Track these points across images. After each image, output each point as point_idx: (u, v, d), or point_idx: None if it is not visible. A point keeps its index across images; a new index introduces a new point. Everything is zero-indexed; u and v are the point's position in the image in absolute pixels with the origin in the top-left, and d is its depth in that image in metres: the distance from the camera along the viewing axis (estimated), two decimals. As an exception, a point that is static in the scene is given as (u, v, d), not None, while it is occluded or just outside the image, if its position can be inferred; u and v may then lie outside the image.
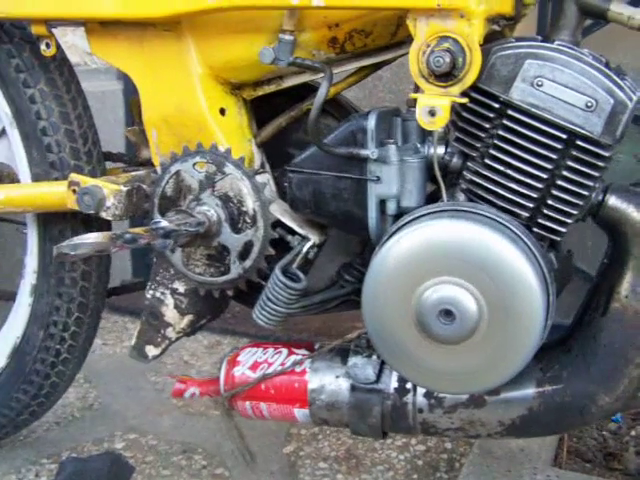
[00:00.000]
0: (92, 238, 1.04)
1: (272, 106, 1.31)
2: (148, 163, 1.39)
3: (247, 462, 1.52)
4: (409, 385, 1.21)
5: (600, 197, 1.12)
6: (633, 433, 1.73)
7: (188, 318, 1.32)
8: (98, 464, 1.46)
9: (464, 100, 1.06)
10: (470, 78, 1.04)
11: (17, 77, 1.35)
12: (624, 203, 1.12)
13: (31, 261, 1.45)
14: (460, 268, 1.04)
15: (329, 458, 1.66)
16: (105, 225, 1.40)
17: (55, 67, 1.36)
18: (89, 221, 1.39)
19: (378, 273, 1.08)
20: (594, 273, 1.21)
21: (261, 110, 1.32)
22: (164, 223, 1.13)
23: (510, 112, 1.07)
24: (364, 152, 1.13)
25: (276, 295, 1.19)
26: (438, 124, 1.04)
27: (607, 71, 1.05)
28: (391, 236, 1.09)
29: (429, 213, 1.10)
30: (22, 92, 1.35)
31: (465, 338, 1.06)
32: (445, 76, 1.04)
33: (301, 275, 1.20)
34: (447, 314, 1.05)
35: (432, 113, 1.04)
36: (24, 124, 1.37)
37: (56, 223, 1.40)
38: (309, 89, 1.28)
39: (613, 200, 1.12)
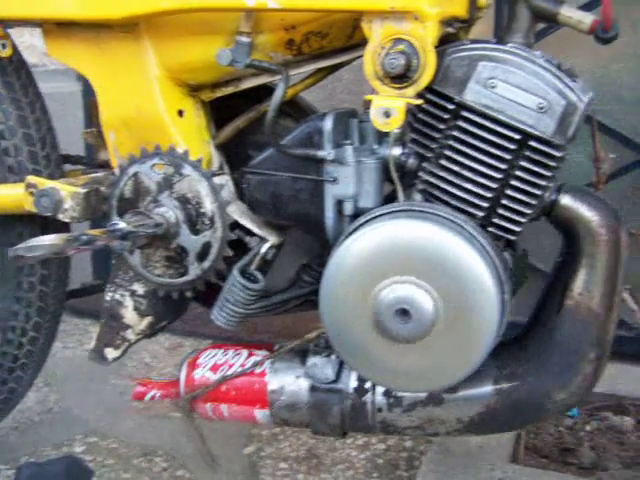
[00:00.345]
0: (48, 240, 1.03)
1: (231, 107, 1.32)
2: (107, 165, 1.38)
3: (208, 464, 1.52)
4: (368, 384, 1.22)
5: (553, 197, 1.13)
6: (588, 428, 1.76)
7: (147, 320, 1.32)
8: (56, 468, 1.45)
9: (419, 101, 1.07)
10: (424, 80, 1.05)
11: None
12: (577, 202, 1.14)
13: (-13, 265, 1.44)
14: (416, 267, 1.05)
15: (290, 458, 1.66)
16: (64, 228, 1.39)
17: (12, 70, 1.35)
18: (47, 224, 1.38)
19: (335, 273, 1.09)
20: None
21: (220, 112, 1.32)
22: (121, 225, 1.13)
23: (464, 113, 1.08)
24: (320, 153, 1.14)
25: (234, 296, 1.19)
26: (393, 125, 1.05)
27: (559, 73, 1.07)
28: (348, 236, 1.10)
29: (385, 213, 1.11)
30: None
31: (422, 337, 1.07)
32: (400, 78, 1.05)
33: (259, 276, 1.21)
34: (404, 313, 1.06)
35: (387, 114, 1.05)
36: None
37: (14, 226, 1.39)
38: (268, 91, 1.29)
39: (566, 200, 1.14)
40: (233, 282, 1.19)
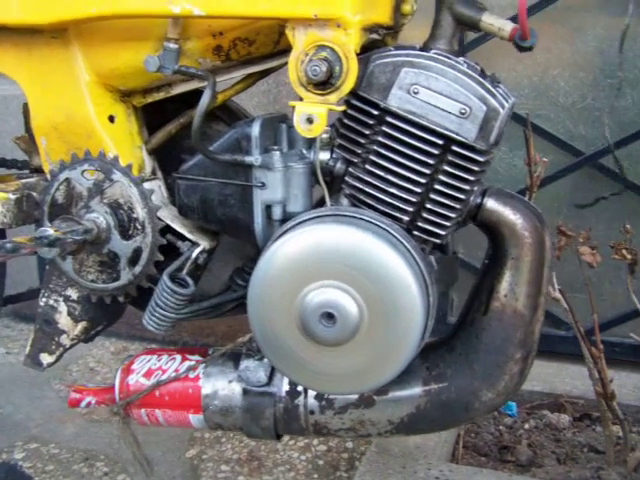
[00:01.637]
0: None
1: (164, 113, 1.32)
2: (41, 170, 1.38)
3: (145, 471, 1.52)
4: (300, 387, 1.23)
5: (478, 200, 1.15)
6: (527, 426, 1.79)
7: (82, 325, 1.32)
8: (-7, 475, 1.45)
9: (341, 108, 1.08)
10: (347, 86, 1.06)
11: None
12: (501, 206, 1.16)
13: None
14: (341, 272, 1.06)
15: (231, 461, 1.67)
16: (-1, 234, 1.39)
17: None
18: None
19: (263, 277, 1.10)
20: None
21: (153, 116, 1.33)
22: (49, 232, 1.13)
23: (389, 119, 1.10)
24: (248, 159, 1.15)
25: (164, 300, 1.19)
26: (315, 131, 1.07)
27: (480, 79, 1.08)
28: (275, 241, 1.10)
29: (312, 218, 1.11)
30: None
31: (347, 340, 1.08)
32: (322, 84, 1.06)
33: (189, 281, 1.21)
34: (329, 317, 1.07)
35: (310, 120, 1.06)
36: None
37: None
38: (200, 96, 1.29)
39: (491, 203, 1.15)
40: (163, 287, 1.19)
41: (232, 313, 1.36)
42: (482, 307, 1.19)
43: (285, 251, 1.08)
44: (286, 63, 1.20)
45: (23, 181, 1.33)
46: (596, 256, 1.60)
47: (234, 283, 1.31)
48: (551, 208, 1.46)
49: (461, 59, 1.11)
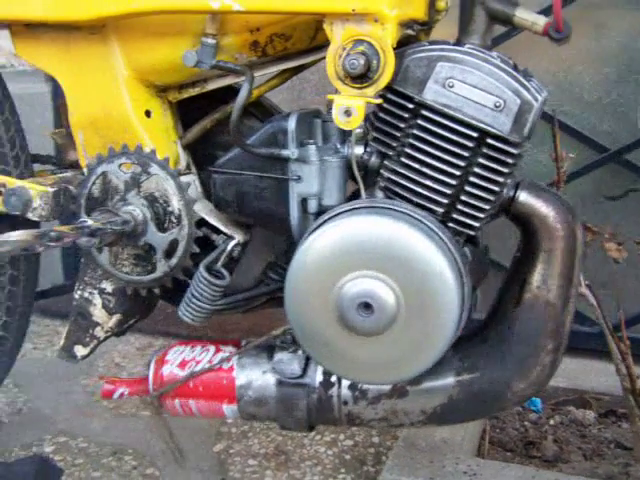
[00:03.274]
0: (16, 236, 1.05)
1: (199, 108, 1.34)
2: (76, 165, 1.40)
3: (178, 461, 1.54)
4: (334, 378, 1.25)
5: (511, 193, 1.17)
6: (552, 422, 1.80)
7: (116, 317, 1.34)
8: (25, 468, 1.46)
9: (378, 101, 1.10)
10: (384, 80, 1.08)
11: None
12: (534, 198, 1.17)
13: (-45, 265, 1.45)
14: (378, 262, 1.08)
15: (258, 455, 1.68)
16: (31, 224, 1.41)
17: None
18: (15, 225, 1.39)
19: (299, 269, 1.12)
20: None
21: (188, 112, 1.35)
22: (89, 222, 1.15)
23: (424, 112, 1.11)
24: (285, 152, 1.17)
25: (200, 292, 1.21)
26: (353, 124, 1.08)
27: (514, 73, 1.10)
28: (311, 233, 1.12)
29: (348, 210, 1.13)
30: None
31: (384, 330, 1.09)
32: (360, 78, 1.08)
33: (225, 273, 1.23)
34: (366, 307, 1.09)
35: (348, 113, 1.08)
36: None
37: None
38: (234, 92, 1.31)
39: (524, 196, 1.17)
40: (199, 278, 1.21)
41: (263, 307, 1.38)
42: (514, 299, 1.20)
43: (322, 243, 1.10)
44: (321, 59, 1.23)
45: (59, 175, 1.35)
46: (622, 252, 1.62)
47: (267, 277, 1.33)
48: (575, 204, 1.47)
49: (494, 53, 1.12)
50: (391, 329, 1.09)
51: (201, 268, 1.21)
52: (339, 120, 1.09)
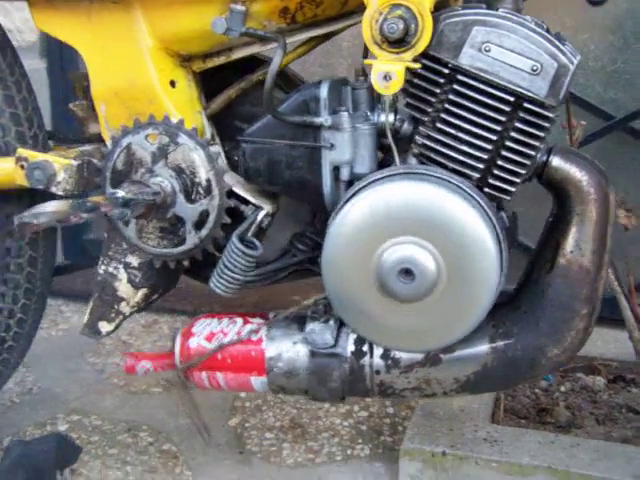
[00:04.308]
0: (53, 206, 1.03)
1: (218, 79, 1.32)
2: (92, 140, 1.37)
3: (203, 435, 1.53)
4: (366, 348, 1.24)
5: (544, 158, 1.17)
6: (562, 389, 1.81)
7: (142, 292, 1.32)
8: (44, 446, 1.44)
9: (417, 65, 1.09)
10: (422, 44, 1.07)
11: None
12: (567, 163, 1.17)
13: (-28, 246, 1.42)
14: (418, 228, 1.08)
15: (274, 428, 1.68)
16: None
17: None
18: (35, 204, 1.37)
19: (337, 237, 1.11)
20: (531, 244, 1.26)
21: (207, 83, 1.33)
22: (121, 193, 1.13)
23: (460, 77, 1.11)
24: (318, 120, 1.16)
25: (234, 263, 1.20)
26: (393, 88, 1.07)
27: (550, 36, 1.10)
28: (348, 201, 1.12)
29: (385, 177, 1.13)
30: None
31: (424, 296, 1.10)
32: (397, 42, 1.07)
33: (257, 243, 1.22)
34: (407, 273, 1.08)
35: (387, 78, 1.07)
36: None
37: (2, 208, 1.37)
38: (256, 62, 1.30)
39: (557, 161, 1.17)
40: (232, 249, 1.20)
41: (287, 279, 1.36)
42: (547, 264, 1.20)
43: (361, 210, 1.10)
44: (351, 25, 1.22)
45: (81, 148, 1.32)
46: (631, 219, 1.63)
47: (294, 248, 1.32)
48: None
49: (528, 17, 1.12)
50: (431, 295, 1.10)
51: (234, 239, 1.19)
52: (378, 85, 1.07)
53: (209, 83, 1.32)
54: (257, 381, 1.29)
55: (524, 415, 1.73)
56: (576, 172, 1.17)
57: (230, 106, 1.32)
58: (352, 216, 1.10)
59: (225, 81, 1.31)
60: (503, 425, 1.65)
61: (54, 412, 1.73)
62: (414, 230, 1.08)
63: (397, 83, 1.07)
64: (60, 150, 1.37)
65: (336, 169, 1.18)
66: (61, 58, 2.07)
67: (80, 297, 2.20)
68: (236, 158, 1.25)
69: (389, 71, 1.07)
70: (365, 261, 1.10)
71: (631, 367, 1.81)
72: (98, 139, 1.35)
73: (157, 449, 1.61)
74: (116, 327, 1.35)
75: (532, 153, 1.13)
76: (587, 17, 1.94)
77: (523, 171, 1.13)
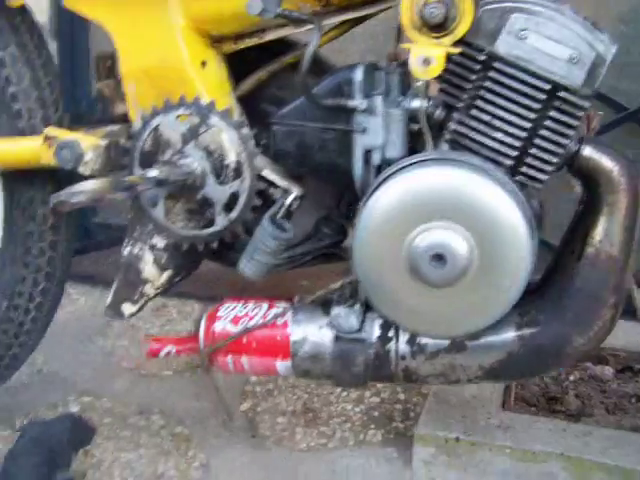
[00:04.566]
0: (92, 185, 1.02)
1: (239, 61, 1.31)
2: (116, 119, 1.36)
3: (227, 418, 1.53)
4: (392, 333, 1.24)
5: (576, 147, 1.17)
6: (572, 378, 1.82)
7: (167, 274, 1.32)
8: (60, 427, 1.45)
9: (457, 50, 1.09)
10: (462, 30, 1.07)
11: None
12: (598, 153, 1.18)
13: (-7, 230, 1.41)
14: (451, 213, 1.08)
15: (287, 413, 1.68)
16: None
17: (25, 30, 1.33)
18: (58, 189, 1.36)
19: (369, 222, 1.11)
20: (552, 241, 1.27)
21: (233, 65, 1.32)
22: (155, 172, 1.13)
23: (496, 64, 1.11)
24: (352, 103, 1.16)
25: (264, 245, 1.20)
26: (432, 73, 1.07)
27: (589, 25, 1.10)
28: (381, 185, 1.11)
29: (418, 162, 1.13)
30: None
31: (456, 280, 1.10)
32: (437, 27, 1.07)
33: (288, 226, 1.22)
34: (439, 258, 1.09)
35: (426, 62, 1.07)
36: None
37: (23, 191, 1.37)
38: (279, 45, 1.30)
39: (588, 150, 1.17)
40: (263, 231, 1.19)
41: (312, 263, 1.36)
42: (576, 253, 1.20)
43: (394, 195, 1.10)
44: (386, 9, 1.22)
45: (107, 129, 1.31)
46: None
47: (320, 232, 1.32)
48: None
49: (566, 5, 1.12)
50: (464, 279, 1.10)
51: (266, 221, 1.19)
52: (417, 70, 1.07)
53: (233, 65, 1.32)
54: (282, 365, 1.29)
55: (534, 403, 1.74)
56: (607, 162, 1.18)
57: (256, 89, 1.31)
58: (385, 200, 1.10)
59: (249, 63, 1.31)
60: (514, 413, 1.67)
61: (65, 394, 1.72)
62: (447, 215, 1.08)
63: (436, 68, 1.07)
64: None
65: (367, 153, 1.18)
66: (72, 39, 2.06)
67: (87, 279, 2.19)
68: (264, 141, 1.25)
69: (429, 56, 1.06)
70: (397, 245, 1.10)
71: (639, 358, 1.82)
72: (120, 120, 1.34)
73: (169, 432, 1.61)
74: (140, 309, 1.34)
75: (565, 142, 1.13)
76: (600, 7, 1.94)
77: (556, 160, 1.14)
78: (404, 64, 1.13)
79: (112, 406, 1.69)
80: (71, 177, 1.33)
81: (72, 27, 2.08)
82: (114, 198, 1.06)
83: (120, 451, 1.54)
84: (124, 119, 1.33)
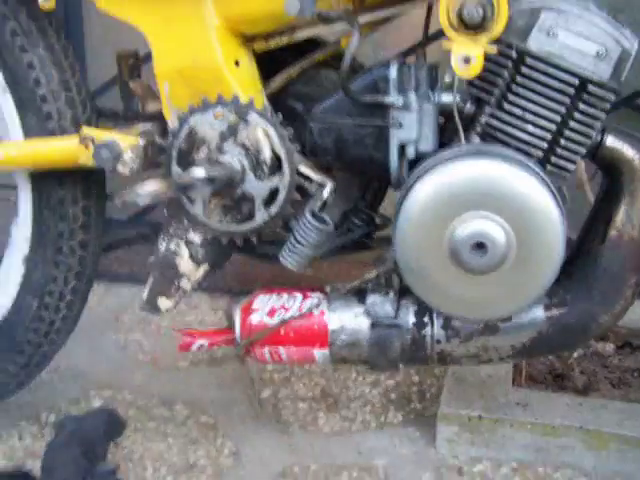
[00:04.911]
0: (153, 185, 1.05)
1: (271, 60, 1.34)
2: (145, 117, 1.39)
3: (259, 407, 1.56)
4: (427, 319, 1.30)
5: (599, 137, 1.23)
6: (575, 355, 1.89)
7: (203, 268, 1.34)
8: (96, 421, 1.47)
9: (495, 49, 1.14)
10: (498, 29, 1.12)
11: (13, 41, 1.32)
12: (620, 143, 1.24)
13: (23, 229, 1.42)
14: (489, 202, 1.13)
15: (307, 398, 1.72)
16: (100, 188, 1.41)
17: (53, 32, 1.34)
18: (88, 188, 1.38)
19: (411, 214, 1.16)
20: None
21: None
22: (201, 170, 1.16)
23: (528, 60, 1.16)
24: (389, 99, 1.20)
25: (306, 238, 1.24)
26: (473, 71, 1.12)
27: (614, 21, 1.16)
28: (419, 178, 1.16)
29: (455, 155, 1.17)
30: (18, 57, 1.32)
31: (496, 267, 1.15)
32: (474, 27, 1.12)
33: (327, 218, 1.26)
34: (479, 247, 1.14)
35: (467, 61, 1.11)
36: (19, 91, 1.34)
37: (54, 191, 1.38)
38: (308, 42, 1.33)
39: (610, 140, 1.24)
40: (305, 224, 1.23)
41: (342, 253, 1.40)
42: (599, 236, 1.27)
43: (433, 187, 1.15)
44: (415, 8, 1.26)
45: (140, 127, 1.34)
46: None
47: (350, 223, 1.36)
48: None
49: (590, 3, 1.18)
50: (503, 266, 1.15)
51: (307, 214, 1.23)
52: (458, 68, 1.12)
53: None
54: (320, 353, 1.33)
55: (541, 381, 1.81)
56: (629, 151, 1.24)
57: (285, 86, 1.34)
58: (425, 193, 1.15)
59: (275, 62, 1.33)
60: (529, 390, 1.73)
61: (86, 388, 1.74)
62: (487, 205, 1.13)
63: (476, 66, 1.12)
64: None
65: (402, 147, 1.23)
66: (82, 37, 2.05)
67: (99, 276, 2.19)
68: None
69: (469, 54, 1.11)
70: (438, 235, 1.15)
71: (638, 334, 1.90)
72: (148, 118, 1.36)
73: (195, 421, 1.64)
74: (176, 304, 1.37)
75: (592, 133, 1.19)
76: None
77: (583, 150, 1.20)
78: None
79: (134, 398, 1.71)
80: (103, 175, 1.36)
81: (82, 25, 2.08)
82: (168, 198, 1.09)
83: (149, 442, 1.57)
84: (149, 117, 1.35)
